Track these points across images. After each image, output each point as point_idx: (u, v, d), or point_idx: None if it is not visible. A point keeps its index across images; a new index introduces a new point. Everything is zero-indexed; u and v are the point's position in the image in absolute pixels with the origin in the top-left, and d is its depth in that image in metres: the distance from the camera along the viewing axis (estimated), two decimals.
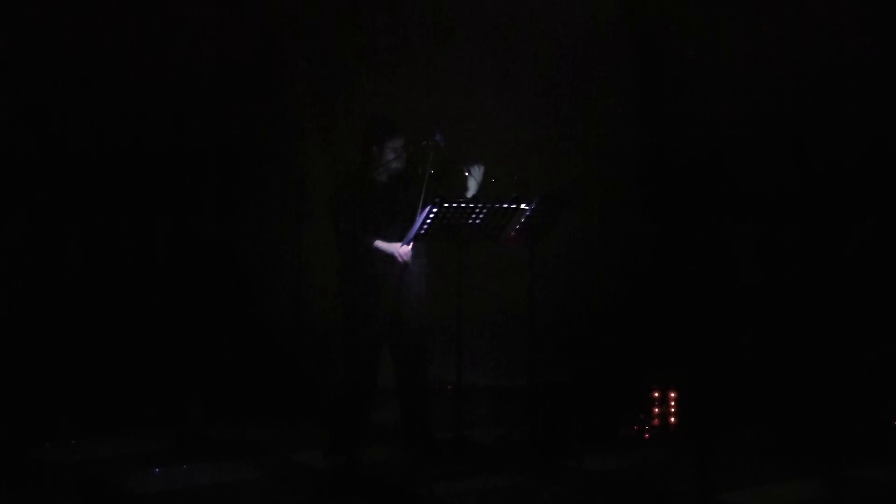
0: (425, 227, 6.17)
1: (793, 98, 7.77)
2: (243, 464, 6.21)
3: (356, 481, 5.81)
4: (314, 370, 7.97)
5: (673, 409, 7.07)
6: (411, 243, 6.30)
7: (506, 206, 6.25)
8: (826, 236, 7.73)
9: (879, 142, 7.57)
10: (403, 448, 6.50)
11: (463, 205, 6.15)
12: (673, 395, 7.08)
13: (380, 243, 6.35)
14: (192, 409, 7.47)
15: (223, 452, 6.52)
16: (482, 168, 6.46)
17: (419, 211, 6.16)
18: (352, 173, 6.51)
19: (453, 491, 5.66)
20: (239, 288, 8.26)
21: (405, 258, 6.32)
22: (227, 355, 8.07)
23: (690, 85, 8.04)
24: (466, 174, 6.42)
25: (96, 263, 7.89)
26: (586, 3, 8.19)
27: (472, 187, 6.47)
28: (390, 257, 6.39)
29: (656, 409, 7.07)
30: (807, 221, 7.79)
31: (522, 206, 6.27)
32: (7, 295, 7.62)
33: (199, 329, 8.11)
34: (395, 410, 6.78)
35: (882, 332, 7.47)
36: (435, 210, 6.10)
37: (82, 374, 7.68)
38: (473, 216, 6.20)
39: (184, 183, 8.13)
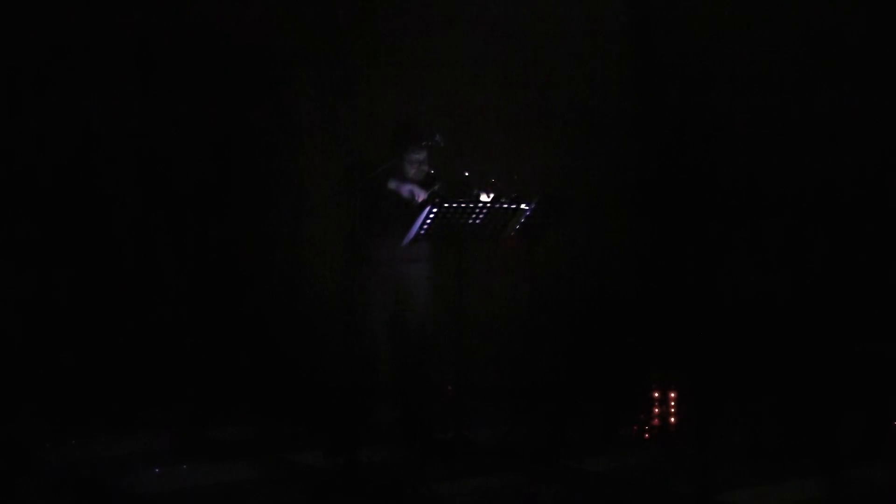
0: (425, 227, 6.18)
1: (793, 98, 7.77)
2: (243, 464, 6.20)
3: (356, 481, 5.81)
4: (314, 370, 7.96)
5: (673, 409, 7.07)
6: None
7: (506, 206, 6.25)
8: (826, 236, 7.73)
9: (880, 141, 7.57)
10: (403, 448, 6.50)
11: (463, 205, 6.15)
12: (673, 395, 7.08)
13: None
14: (192, 410, 7.47)
15: (223, 452, 6.51)
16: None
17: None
18: (374, 172, 6.44)
19: (453, 491, 5.66)
20: (239, 287, 8.26)
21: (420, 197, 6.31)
22: (227, 355, 8.07)
23: (690, 85, 8.04)
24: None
25: (96, 263, 7.89)
26: (586, 2, 8.19)
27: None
28: (390, 258, 6.42)
29: (656, 409, 7.07)
30: (806, 221, 7.79)
31: (522, 206, 6.27)
32: (7, 295, 7.63)
33: (199, 329, 8.11)
34: (395, 410, 6.79)
35: (882, 332, 7.47)
36: (434, 210, 6.11)
37: (82, 375, 7.68)
38: (473, 216, 6.20)
39: (183, 183, 8.13)
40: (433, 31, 8.32)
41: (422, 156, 6.56)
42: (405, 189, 6.44)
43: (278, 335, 8.22)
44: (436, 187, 6.48)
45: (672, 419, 7.05)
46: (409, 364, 6.67)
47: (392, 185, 6.46)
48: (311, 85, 8.41)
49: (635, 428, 7.00)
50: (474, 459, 6.21)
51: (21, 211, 7.70)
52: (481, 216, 6.22)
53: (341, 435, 6.32)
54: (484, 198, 6.24)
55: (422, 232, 6.21)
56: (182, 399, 7.67)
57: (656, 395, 7.08)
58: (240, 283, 8.27)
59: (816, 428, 6.94)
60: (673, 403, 7.07)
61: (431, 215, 6.11)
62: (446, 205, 6.11)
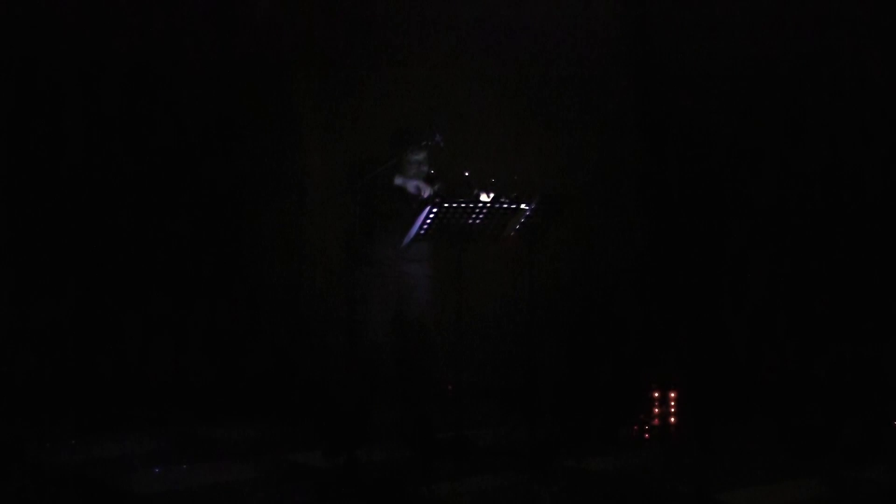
0: (425, 227, 6.18)
1: (793, 98, 7.77)
2: (243, 464, 6.20)
3: (356, 481, 5.80)
4: (314, 370, 7.96)
5: (673, 409, 7.07)
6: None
7: (506, 206, 6.25)
8: (826, 235, 7.73)
9: (879, 140, 7.57)
10: (403, 448, 6.50)
11: (463, 205, 6.15)
12: (673, 395, 7.08)
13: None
14: (192, 409, 7.47)
15: (223, 452, 6.51)
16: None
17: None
18: (374, 174, 6.45)
19: (453, 491, 5.66)
20: (239, 287, 8.26)
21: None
22: (227, 355, 8.07)
23: (691, 85, 8.04)
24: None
25: (95, 263, 7.89)
26: (586, 2, 8.19)
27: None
28: (390, 258, 6.42)
29: (656, 409, 7.07)
30: (806, 220, 7.78)
31: (522, 206, 6.27)
32: (7, 295, 7.63)
33: (199, 329, 8.11)
34: (395, 410, 6.79)
35: (882, 332, 7.47)
36: (434, 210, 6.11)
37: (82, 375, 7.68)
38: (473, 216, 6.20)
39: (183, 182, 8.13)
40: (433, 31, 8.32)
41: (422, 156, 6.56)
42: (411, 185, 6.46)
43: (278, 335, 8.22)
44: (436, 187, 6.48)
45: (672, 419, 7.05)
46: (409, 364, 6.67)
47: (398, 181, 6.48)
48: (312, 85, 8.41)
49: (635, 428, 7.00)
50: (474, 459, 6.21)
51: (20, 209, 7.70)
52: (481, 216, 6.22)
53: (341, 435, 6.32)
54: (484, 198, 6.24)
55: (422, 232, 6.21)
56: (182, 399, 7.66)
57: (656, 395, 7.08)
58: (240, 282, 8.27)
59: (816, 428, 6.94)
60: (673, 403, 7.08)
61: (431, 215, 6.11)
62: (446, 205, 6.11)
